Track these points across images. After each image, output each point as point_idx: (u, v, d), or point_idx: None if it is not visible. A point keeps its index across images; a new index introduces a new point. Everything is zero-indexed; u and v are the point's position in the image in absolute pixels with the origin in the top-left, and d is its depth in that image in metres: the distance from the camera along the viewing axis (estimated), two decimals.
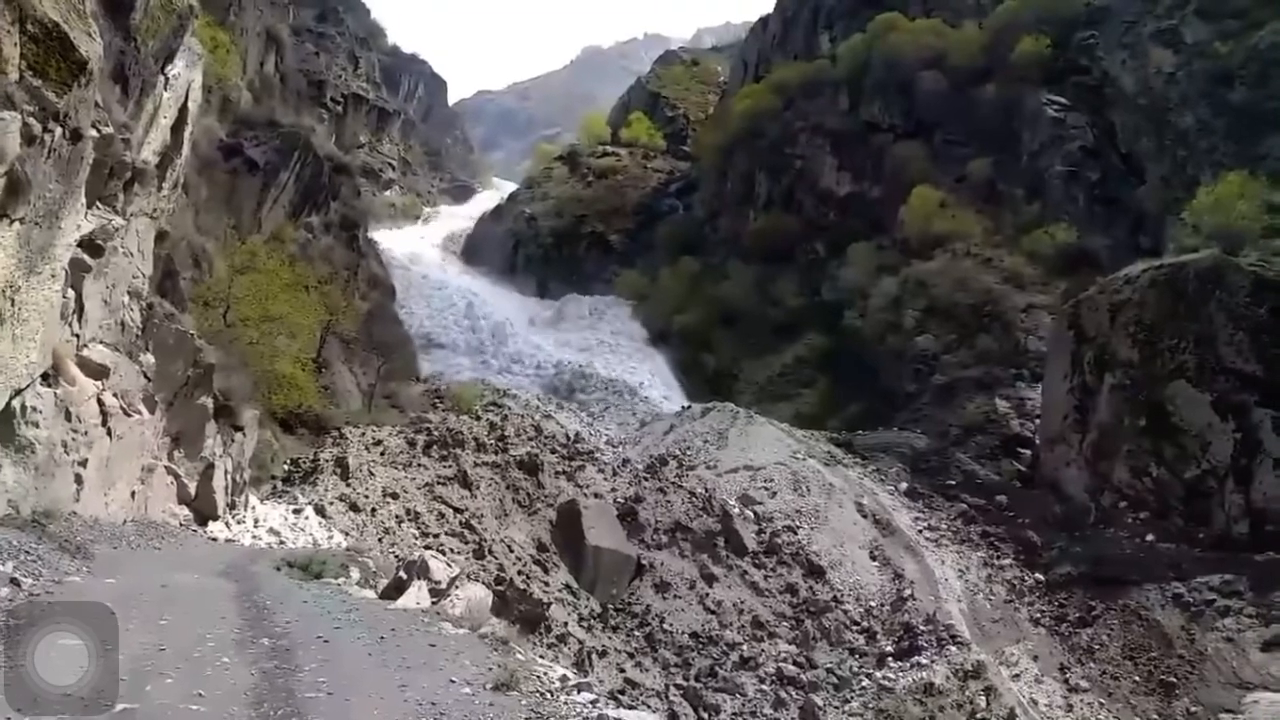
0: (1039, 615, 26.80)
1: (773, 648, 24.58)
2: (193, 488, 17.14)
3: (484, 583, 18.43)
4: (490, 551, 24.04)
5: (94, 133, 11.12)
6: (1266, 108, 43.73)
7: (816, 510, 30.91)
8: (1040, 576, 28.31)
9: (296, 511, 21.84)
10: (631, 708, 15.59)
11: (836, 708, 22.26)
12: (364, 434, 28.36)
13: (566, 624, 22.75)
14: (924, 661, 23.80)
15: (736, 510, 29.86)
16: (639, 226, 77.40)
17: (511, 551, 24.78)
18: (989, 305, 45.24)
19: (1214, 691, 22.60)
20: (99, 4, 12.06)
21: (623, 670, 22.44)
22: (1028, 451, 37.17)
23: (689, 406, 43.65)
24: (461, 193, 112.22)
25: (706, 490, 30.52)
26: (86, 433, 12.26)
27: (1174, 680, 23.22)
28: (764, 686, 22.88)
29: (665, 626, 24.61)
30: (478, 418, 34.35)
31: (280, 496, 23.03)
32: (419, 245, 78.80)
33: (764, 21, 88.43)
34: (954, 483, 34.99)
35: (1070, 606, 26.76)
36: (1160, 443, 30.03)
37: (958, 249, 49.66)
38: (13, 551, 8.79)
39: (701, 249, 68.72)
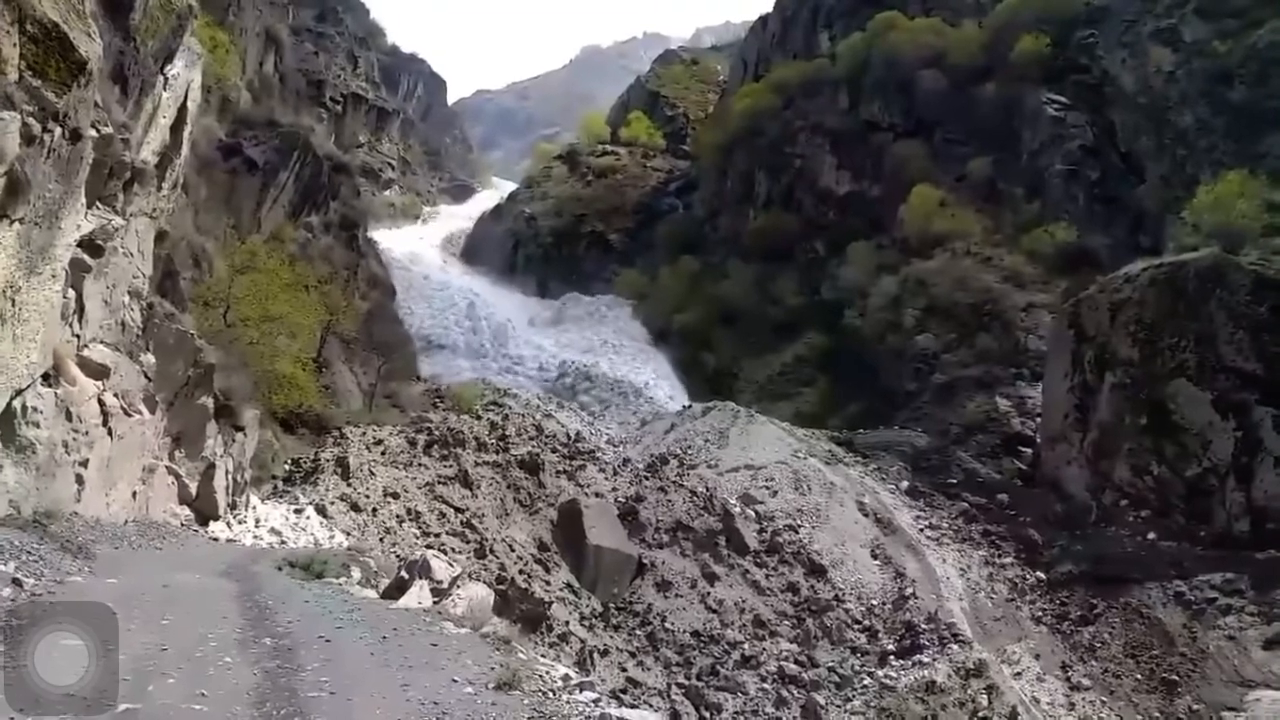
0: (1040, 614, 26.80)
1: (774, 646, 24.58)
2: (194, 488, 17.13)
3: (485, 582, 18.40)
4: (491, 551, 24.03)
5: (93, 133, 11.10)
6: (1266, 106, 43.73)
7: (818, 509, 30.90)
8: (1042, 575, 28.31)
9: (298, 511, 21.83)
10: (634, 707, 15.60)
11: (838, 706, 22.26)
12: (365, 434, 28.34)
13: (568, 623, 22.74)
14: (926, 660, 23.80)
15: (738, 509, 29.85)
16: (639, 226, 77.41)
17: (513, 551, 24.77)
18: (989, 304, 45.25)
19: (1216, 689, 22.60)
20: (98, 4, 12.05)
21: (624, 669, 22.44)
22: (1029, 450, 37.20)
23: (690, 406, 43.65)
24: (461, 192, 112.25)
25: (708, 489, 30.51)
26: (87, 433, 12.25)
27: (1176, 678, 23.22)
28: (766, 685, 22.87)
29: (667, 625, 24.60)
30: (478, 417, 34.36)
31: (281, 496, 23.01)
32: (419, 245, 78.75)
33: (763, 20, 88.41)
34: (955, 481, 35.00)
35: (1072, 605, 26.76)
36: (1161, 441, 30.04)
37: (958, 248, 49.67)
38: (14, 552, 8.78)
39: (701, 248, 68.73)
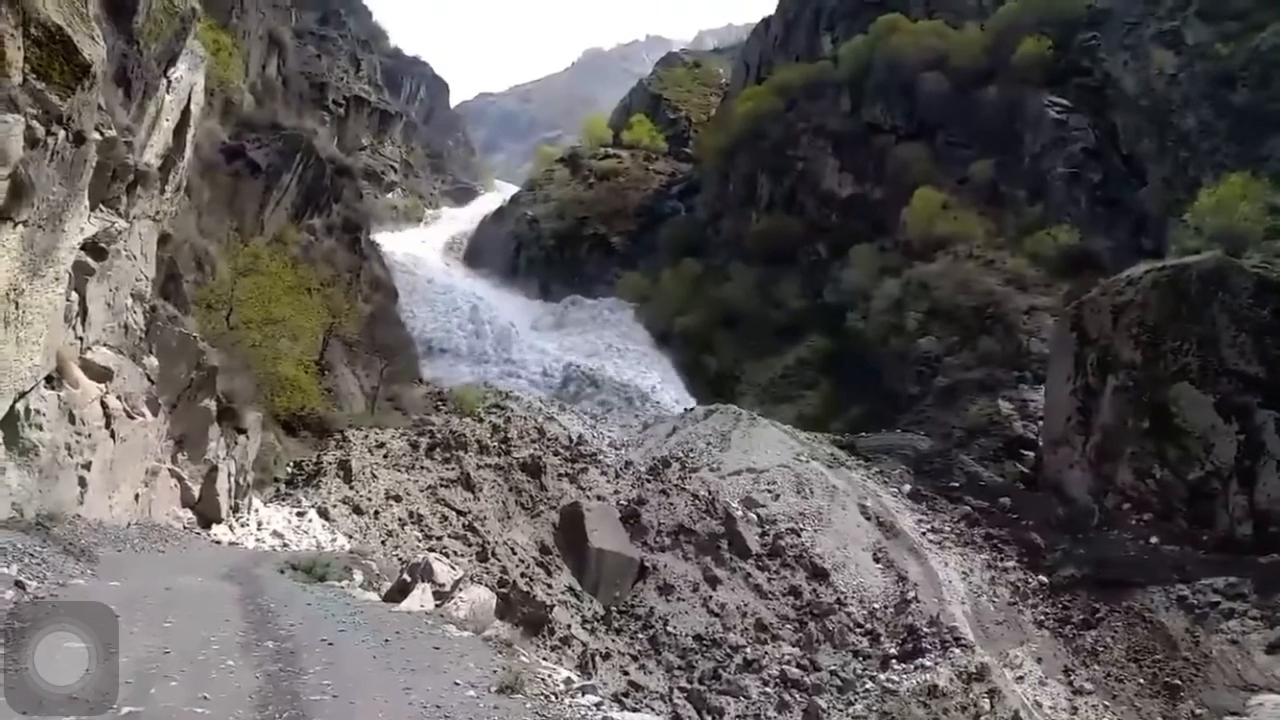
0: (1043, 617, 26.74)
1: (776, 650, 24.55)
2: (196, 490, 17.16)
3: (487, 585, 18.40)
4: (493, 554, 24.04)
5: (97, 135, 11.13)
6: (1268, 109, 43.70)
7: (820, 512, 30.87)
8: (1044, 579, 28.25)
9: (300, 514, 21.86)
10: (636, 710, 15.59)
11: (840, 710, 22.24)
12: (367, 436, 28.37)
13: (570, 626, 22.74)
14: (928, 664, 23.76)
15: (739, 512, 29.83)
16: (641, 228, 77.36)
17: (515, 554, 24.77)
18: (991, 307, 45.18)
19: (1219, 694, 22.54)
20: (102, 7, 12.07)
21: (626, 673, 22.43)
22: (1031, 453, 37.10)
23: (691, 409, 43.62)
24: (463, 195, 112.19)
25: (709, 492, 30.49)
26: (90, 435, 12.27)
27: (1179, 683, 23.16)
28: (768, 689, 22.86)
29: (669, 629, 24.59)
30: (480, 420, 34.37)
31: (283, 499, 23.04)
32: (421, 248, 78.74)
33: (765, 23, 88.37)
34: (957, 485, 34.94)
35: (1074, 609, 26.70)
36: (1163, 444, 29.98)
37: (960, 251, 49.60)
38: (17, 554, 8.80)
39: (703, 251, 68.67)
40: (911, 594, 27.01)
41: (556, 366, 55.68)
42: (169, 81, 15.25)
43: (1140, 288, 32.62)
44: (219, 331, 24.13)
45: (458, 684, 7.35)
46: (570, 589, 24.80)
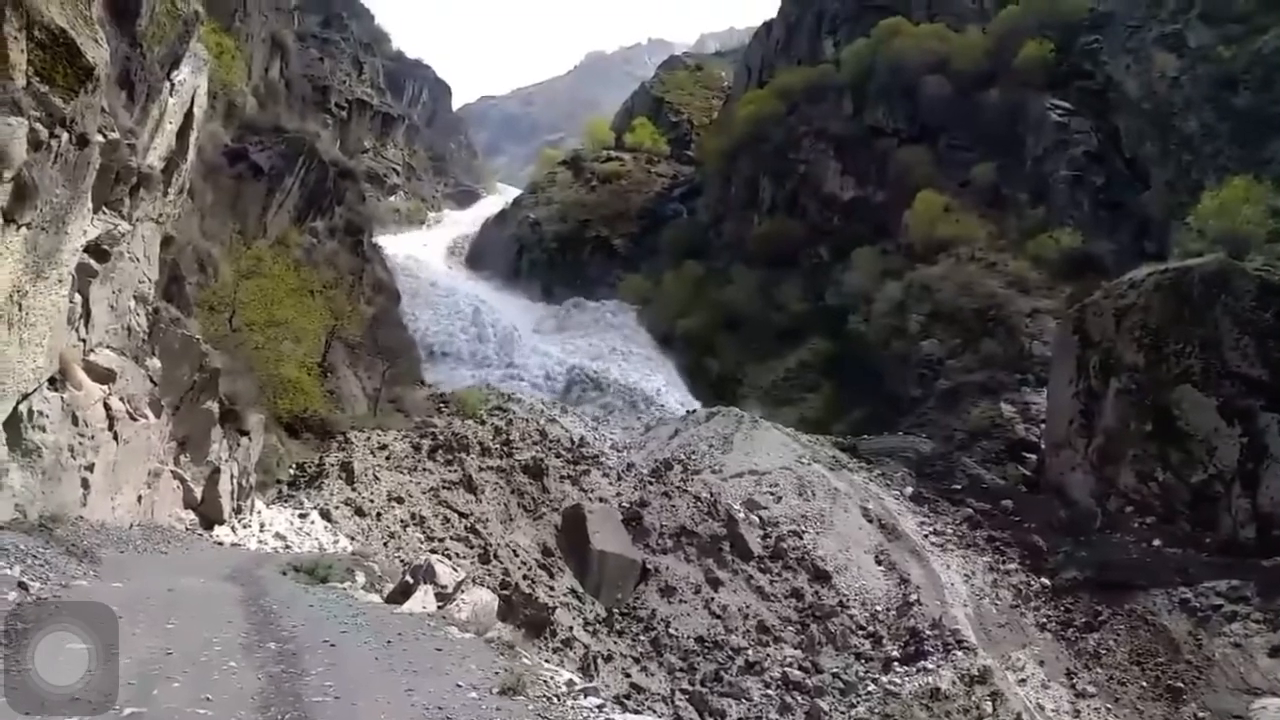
0: (1045, 620, 26.70)
1: (778, 652, 24.53)
2: (199, 492, 17.18)
3: (489, 587, 18.39)
4: (495, 556, 24.04)
5: (100, 138, 11.16)
6: (1271, 112, 43.70)
7: (822, 515, 30.85)
8: (1046, 581, 28.21)
9: (302, 516, 21.86)
10: (637, 712, 15.57)
11: (842, 713, 22.21)
12: (369, 438, 28.37)
13: (572, 628, 22.73)
14: (930, 666, 23.72)
15: (741, 515, 29.81)
16: (643, 231, 77.41)
17: (517, 556, 24.77)
18: (993, 310, 45.16)
19: (1221, 697, 22.49)
20: (105, 10, 12.09)
21: (628, 675, 22.41)
22: (1033, 456, 37.08)
23: (693, 411, 43.59)
24: (465, 198, 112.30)
25: (711, 495, 30.48)
26: (93, 437, 12.29)
27: (1181, 686, 23.11)
28: (769, 691, 22.83)
29: (671, 631, 24.57)
30: (482, 422, 34.35)
31: (286, 501, 23.04)
32: (423, 251, 78.78)
33: (768, 26, 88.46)
34: (959, 487, 34.90)
35: (1077, 611, 26.65)
36: (1166, 447, 29.94)
37: (962, 253, 49.59)
38: (20, 555, 8.81)
39: (705, 253, 68.68)
40: (914, 596, 26.98)
41: (559, 370, 55.58)
42: (172, 84, 15.28)
43: (1143, 290, 32.60)
44: (222, 334, 24.17)
45: (460, 686, 7.35)
46: (572, 591, 24.79)
